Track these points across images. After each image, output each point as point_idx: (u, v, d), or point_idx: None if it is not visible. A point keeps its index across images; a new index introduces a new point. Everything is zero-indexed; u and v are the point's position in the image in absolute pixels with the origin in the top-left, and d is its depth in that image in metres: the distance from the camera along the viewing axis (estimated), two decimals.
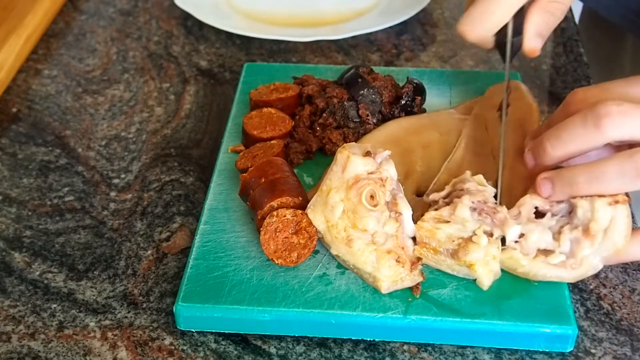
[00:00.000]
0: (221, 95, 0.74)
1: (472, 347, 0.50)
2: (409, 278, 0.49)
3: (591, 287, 0.54)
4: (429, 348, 0.49)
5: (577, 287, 0.54)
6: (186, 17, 0.86)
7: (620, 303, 0.53)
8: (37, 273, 0.56)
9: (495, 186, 0.52)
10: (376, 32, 0.81)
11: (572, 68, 0.76)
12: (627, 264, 0.56)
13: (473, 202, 0.49)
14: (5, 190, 0.63)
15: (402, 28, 0.78)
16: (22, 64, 0.79)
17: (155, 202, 0.61)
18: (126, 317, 0.52)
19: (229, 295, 0.49)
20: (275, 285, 0.50)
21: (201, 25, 0.85)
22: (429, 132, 0.61)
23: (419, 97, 0.63)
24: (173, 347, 0.50)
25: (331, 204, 0.50)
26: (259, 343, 0.50)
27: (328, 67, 0.72)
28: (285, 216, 0.51)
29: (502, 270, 0.50)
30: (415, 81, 0.64)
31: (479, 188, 0.51)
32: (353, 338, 0.49)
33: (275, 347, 0.50)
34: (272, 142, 0.59)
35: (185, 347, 0.50)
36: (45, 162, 0.66)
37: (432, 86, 0.67)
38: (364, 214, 0.49)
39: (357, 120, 0.61)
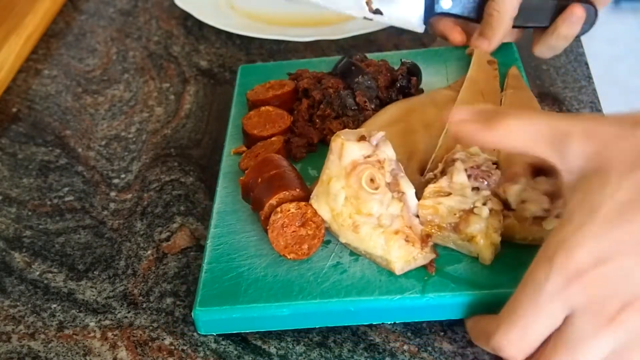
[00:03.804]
0: (221, 95, 0.74)
1: (472, 347, 0.50)
2: (422, 256, 0.49)
3: None
4: (429, 348, 0.49)
5: None
6: (186, 17, 0.86)
7: None
8: (37, 273, 0.56)
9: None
10: (376, 32, 0.81)
11: (572, 68, 0.76)
12: None
13: (467, 169, 0.50)
14: (5, 190, 0.63)
15: (401, 28, 0.77)
16: (22, 64, 0.79)
17: (155, 202, 0.61)
18: (126, 317, 0.52)
19: (245, 295, 0.49)
20: (290, 279, 0.49)
21: (201, 25, 0.85)
22: (429, 110, 0.61)
23: (414, 78, 0.63)
24: (173, 347, 0.50)
25: (333, 192, 0.50)
26: (259, 343, 0.50)
27: (321, 59, 0.72)
28: (289, 210, 0.51)
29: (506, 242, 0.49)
30: (409, 62, 0.64)
31: (471, 153, 0.51)
32: (375, 323, 0.49)
33: (275, 347, 0.50)
34: (273, 139, 0.59)
35: (185, 347, 0.50)
36: (45, 162, 0.66)
37: (427, 66, 0.67)
38: (366, 198, 0.49)
39: (355, 107, 0.61)
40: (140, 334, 0.51)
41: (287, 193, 0.52)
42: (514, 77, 0.64)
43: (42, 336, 0.51)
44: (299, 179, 0.54)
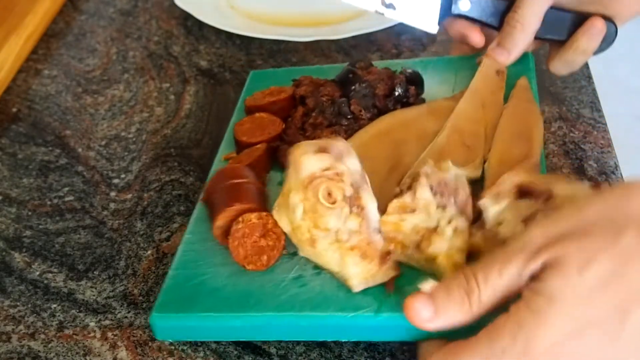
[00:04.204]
0: (221, 96, 0.74)
1: None
2: (380, 274, 0.47)
3: None
4: None
5: None
6: (186, 17, 0.86)
7: None
8: (37, 273, 0.56)
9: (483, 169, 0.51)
10: (376, 32, 0.81)
11: None
12: None
13: (432, 185, 0.48)
14: (5, 190, 0.63)
15: (402, 28, 0.77)
16: (22, 64, 0.79)
17: (155, 202, 0.61)
18: (126, 317, 0.52)
19: (203, 303, 0.48)
20: (249, 290, 0.48)
21: (201, 25, 0.85)
22: (425, 120, 0.59)
23: (413, 87, 0.61)
24: (173, 347, 0.50)
25: (292, 205, 0.48)
26: (259, 343, 0.50)
27: (332, 66, 0.71)
28: (250, 220, 0.50)
29: None
30: (409, 71, 0.62)
31: (439, 170, 0.49)
32: (323, 340, 0.48)
33: (275, 347, 0.50)
34: (257, 146, 0.58)
35: (185, 347, 0.50)
36: (45, 162, 0.66)
37: (436, 74, 0.65)
38: (323, 212, 0.47)
39: (350, 116, 0.60)
40: (140, 334, 0.51)
41: (223, 214, 0.50)
42: (521, 88, 0.62)
43: (42, 336, 0.51)
44: (258, 194, 0.52)
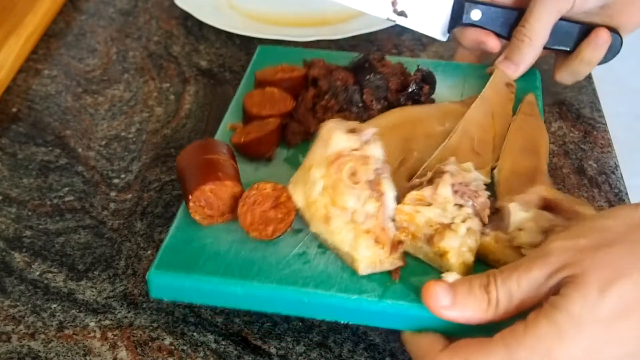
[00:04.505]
0: (221, 95, 0.74)
1: None
2: (388, 261, 0.47)
3: None
4: None
5: None
6: (186, 17, 0.86)
7: None
8: (37, 273, 0.56)
9: (491, 176, 0.52)
10: (376, 32, 0.81)
11: None
12: None
13: (454, 184, 0.48)
14: (5, 190, 0.63)
15: (402, 28, 0.77)
16: (22, 64, 0.79)
17: (155, 202, 0.61)
18: (126, 317, 0.52)
19: (203, 266, 0.48)
20: (252, 259, 0.48)
21: (201, 25, 0.85)
22: (434, 122, 0.60)
23: (427, 86, 0.62)
24: (173, 347, 0.50)
25: (312, 180, 0.49)
26: (259, 343, 0.50)
27: (341, 53, 0.72)
28: (265, 189, 0.50)
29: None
30: (425, 70, 0.63)
31: (462, 170, 0.50)
32: (327, 320, 0.48)
33: (275, 347, 0.50)
34: (269, 119, 0.58)
35: (185, 347, 0.50)
36: (45, 162, 0.66)
37: (445, 78, 0.66)
38: (344, 190, 0.47)
39: (361, 105, 0.60)
40: (140, 334, 0.51)
41: (198, 192, 0.50)
42: (528, 104, 0.63)
43: (42, 336, 0.51)
44: (234, 171, 0.52)
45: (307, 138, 0.59)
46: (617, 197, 0.61)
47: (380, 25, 0.81)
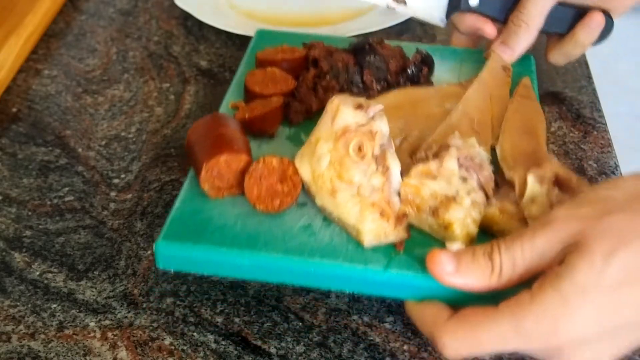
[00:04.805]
0: (221, 96, 0.74)
1: None
2: (393, 233, 0.48)
3: None
4: (429, 348, 0.49)
5: None
6: (186, 17, 0.86)
7: None
8: (37, 273, 0.56)
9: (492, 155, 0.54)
10: (376, 32, 0.81)
11: (572, 68, 0.76)
12: None
13: (459, 157, 0.49)
14: (5, 190, 0.63)
15: (402, 28, 0.78)
16: (22, 64, 0.79)
17: (155, 202, 0.61)
18: (126, 317, 0.52)
19: (210, 237, 0.49)
20: (258, 231, 0.49)
21: (201, 25, 0.85)
22: (433, 103, 0.61)
23: (426, 68, 0.64)
24: (173, 347, 0.50)
25: (318, 154, 0.50)
26: (259, 343, 0.50)
27: (339, 37, 0.72)
28: (272, 163, 0.51)
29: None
30: (424, 52, 0.64)
31: (468, 144, 0.51)
32: (332, 290, 0.49)
33: (275, 347, 0.50)
34: (272, 98, 0.60)
35: (185, 347, 0.50)
36: (45, 162, 0.66)
37: (442, 62, 0.67)
38: (350, 165, 0.49)
39: (361, 85, 0.62)
40: (140, 334, 0.51)
41: (206, 165, 0.51)
42: (524, 87, 0.64)
43: (42, 336, 0.51)
44: (247, 145, 0.53)
45: (309, 117, 0.61)
46: None
47: (380, 25, 0.81)
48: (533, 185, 0.49)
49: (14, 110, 0.73)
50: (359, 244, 0.48)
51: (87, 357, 0.49)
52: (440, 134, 0.56)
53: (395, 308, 0.52)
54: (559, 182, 0.50)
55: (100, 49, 0.82)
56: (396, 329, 0.50)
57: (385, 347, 0.49)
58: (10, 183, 0.64)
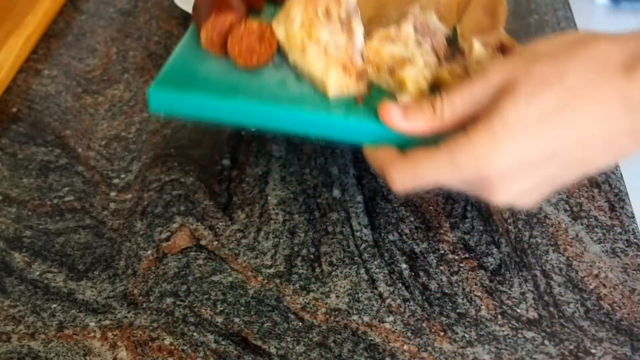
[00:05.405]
0: None
1: (472, 347, 0.50)
2: (354, 88, 0.54)
3: (591, 287, 0.54)
4: (429, 348, 0.49)
5: (577, 287, 0.54)
6: (186, 17, 0.86)
7: (620, 303, 0.53)
8: (37, 273, 0.56)
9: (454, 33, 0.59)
10: None
11: None
12: (627, 264, 0.56)
13: (416, 23, 0.56)
14: (5, 190, 0.63)
15: None
16: (22, 64, 0.79)
17: (155, 202, 0.61)
18: (126, 317, 0.52)
19: (196, 85, 0.55)
20: (238, 82, 0.56)
21: None
22: None
23: None
24: (173, 347, 0.50)
25: (292, 16, 0.56)
26: (259, 343, 0.50)
27: None
28: (252, 25, 0.57)
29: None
30: None
31: (426, 15, 0.57)
32: (299, 134, 0.54)
33: (275, 347, 0.50)
34: None
35: (185, 347, 0.50)
36: (45, 162, 0.66)
37: None
38: (318, 26, 0.55)
39: None
40: (140, 334, 0.51)
41: (239, 18, 0.57)
42: None
43: (42, 336, 0.51)
44: (245, 5, 0.60)
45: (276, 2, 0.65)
46: (617, 197, 0.61)
47: None
48: (478, 48, 0.54)
49: (14, 110, 0.73)
50: (325, 95, 0.54)
51: (87, 357, 0.49)
52: (406, 12, 0.61)
53: (395, 308, 0.52)
54: (502, 49, 0.55)
55: (100, 49, 0.82)
56: (396, 329, 0.50)
57: (385, 347, 0.49)
58: (10, 183, 0.64)
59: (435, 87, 0.54)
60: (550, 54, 0.45)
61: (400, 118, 0.49)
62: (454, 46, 0.58)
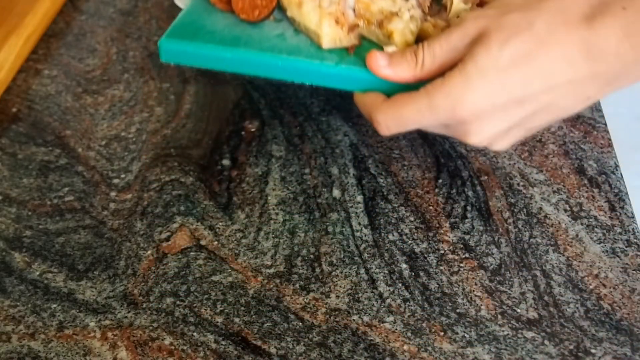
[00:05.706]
0: (221, 95, 0.74)
1: (472, 347, 0.50)
2: (346, 39, 0.59)
3: (591, 287, 0.54)
4: (429, 348, 0.49)
5: (577, 287, 0.54)
6: None
7: (620, 303, 0.53)
8: (37, 273, 0.56)
9: None
10: None
11: None
12: (627, 264, 0.56)
13: None
14: (5, 190, 0.63)
15: None
16: (22, 64, 0.79)
17: (155, 202, 0.61)
18: (126, 317, 0.52)
19: (203, 37, 0.60)
20: (241, 36, 0.60)
21: None
22: None
23: None
24: (173, 347, 0.50)
25: None
26: (259, 343, 0.50)
27: None
28: None
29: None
30: None
31: None
32: (295, 82, 0.58)
33: (275, 347, 0.50)
34: None
35: (185, 347, 0.50)
36: (45, 162, 0.66)
37: None
38: None
39: None
40: (140, 334, 0.51)
41: None
42: None
43: (42, 336, 0.51)
44: None
45: None
46: (617, 197, 0.61)
47: None
48: (458, 3, 0.58)
49: (14, 110, 0.73)
50: (319, 46, 0.59)
51: (87, 357, 0.49)
52: None
53: (395, 308, 0.52)
54: (481, 4, 0.58)
55: (100, 49, 0.82)
56: (396, 329, 0.50)
57: (385, 347, 0.49)
58: (10, 183, 0.64)
59: (421, 40, 0.57)
60: (521, 6, 0.49)
61: (385, 65, 0.53)
62: (439, 1, 0.63)
